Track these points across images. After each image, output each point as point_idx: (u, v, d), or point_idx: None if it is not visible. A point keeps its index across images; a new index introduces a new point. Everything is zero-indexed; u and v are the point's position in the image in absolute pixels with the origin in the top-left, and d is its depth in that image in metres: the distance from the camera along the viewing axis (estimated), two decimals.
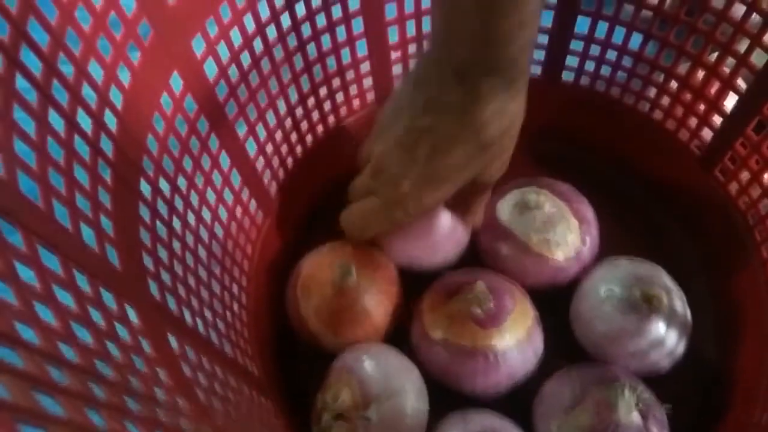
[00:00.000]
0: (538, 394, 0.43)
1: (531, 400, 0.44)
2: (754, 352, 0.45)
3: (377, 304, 0.46)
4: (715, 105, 0.47)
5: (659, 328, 0.43)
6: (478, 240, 0.50)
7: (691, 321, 0.46)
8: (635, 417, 0.39)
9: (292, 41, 0.45)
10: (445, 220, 0.48)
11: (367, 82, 0.53)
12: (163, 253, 0.35)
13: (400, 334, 0.47)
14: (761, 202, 0.45)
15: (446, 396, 0.44)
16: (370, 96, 0.54)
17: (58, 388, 0.20)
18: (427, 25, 0.50)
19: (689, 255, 0.53)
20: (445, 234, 0.48)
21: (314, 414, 0.42)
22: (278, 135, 0.48)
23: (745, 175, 0.47)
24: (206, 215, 0.41)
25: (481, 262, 0.50)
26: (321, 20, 0.45)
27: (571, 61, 0.53)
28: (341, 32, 0.47)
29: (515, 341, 0.43)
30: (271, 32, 0.42)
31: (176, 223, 0.37)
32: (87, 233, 0.28)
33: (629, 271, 0.46)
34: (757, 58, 0.42)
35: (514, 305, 0.44)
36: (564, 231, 0.47)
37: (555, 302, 0.48)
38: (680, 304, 0.45)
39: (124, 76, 0.31)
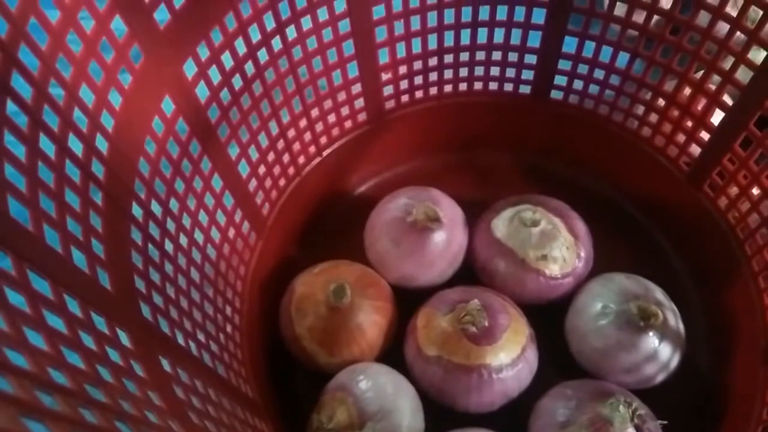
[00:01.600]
0: (534, 410, 0.43)
1: (527, 416, 0.43)
2: (748, 365, 0.45)
3: (372, 322, 0.46)
4: (702, 121, 0.47)
5: (654, 342, 0.44)
6: (475, 257, 0.50)
7: (685, 335, 0.46)
8: None
9: (283, 64, 0.45)
10: (440, 237, 0.48)
11: (359, 103, 0.53)
12: (155, 276, 0.35)
13: (394, 352, 0.47)
14: (750, 216, 0.46)
15: (441, 414, 0.44)
16: (362, 117, 0.55)
17: (48, 413, 0.20)
18: (417, 46, 0.51)
19: (680, 269, 0.53)
20: (440, 251, 0.48)
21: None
22: (270, 156, 0.48)
23: (733, 190, 0.47)
24: (199, 237, 0.41)
25: (476, 279, 0.50)
26: (312, 43, 0.46)
27: (560, 80, 0.53)
28: (332, 54, 0.48)
29: (510, 359, 0.43)
30: (263, 55, 0.43)
31: (168, 246, 0.37)
32: (78, 257, 0.28)
33: (623, 287, 0.46)
34: (742, 75, 0.43)
35: (508, 323, 0.44)
36: (560, 246, 0.48)
37: (549, 317, 0.48)
38: (673, 318, 0.46)
39: (116, 100, 0.32)
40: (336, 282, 0.45)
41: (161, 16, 0.33)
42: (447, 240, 0.49)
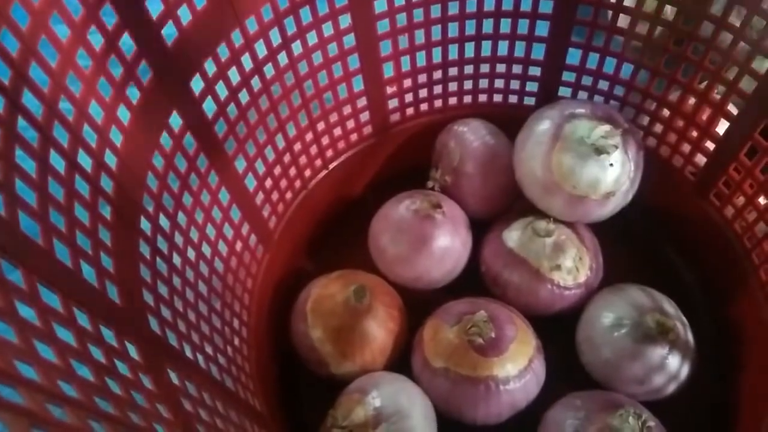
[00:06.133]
0: (543, 421, 0.43)
1: (535, 427, 0.43)
2: (758, 374, 0.45)
3: (386, 329, 0.46)
4: (707, 131, 0.47)
5: (665, 354, 0.43)
6: (486, 268, 0.50)
7: (694, 346, 0.45)
8: None
9: (289, 78, 0.46)
10: (443, 225, 0.49)
11: (364, 116, 0.54)
12: (163, 289, 0.36)
13: (401, 365, 0.47)
14: (757, 225, 0.45)
15: (449, 426, 0.44)
16: (367, 130, 0.55)
17: (58, 424, 0.20)
18: (421, 59, 0.51)
19: (688, 280, 0.53)
20: (444, 241, 0.49)
21: (323, 430, 0.42)
22: (277, 170, 0.49)
23: (740, 200, 0.47)
24: (206, 250, 0.42)
25: (484, 290, 0.50)
26: (318, 57, 0.46)
27: (564, 91, 0.54)
28: (337, 68, 0.48)
29: (517, 370, 0.43)
30: (269, 70, 0.43)
31: (176, 259, 0.38)
32: (87, 270, 0.29)
33: (636, 298, 0.46)
34: (747, 84, 0.43)
35: (515, 334, 0.44)
36: (573, 257, 0.48)
37: (557, 328, 0.48)
38: (683, 329, 0.45)
39: (124, 116, 0.32)
40: (357, 285, 0.46)
41: (169, 32, 0.34)
42: (451, 231, 0.49)
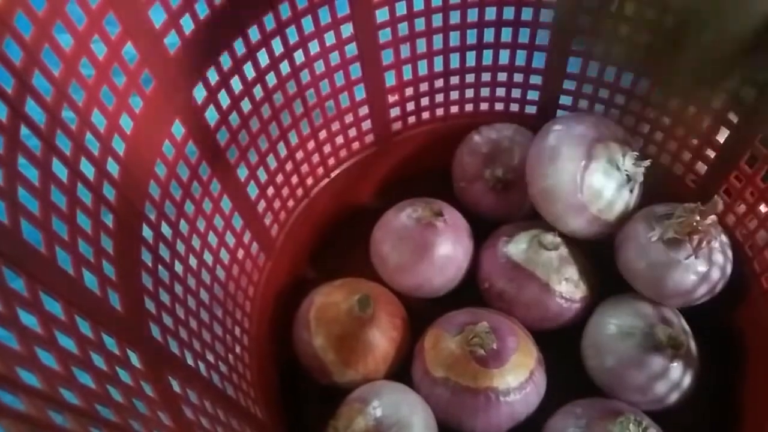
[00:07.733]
0: (544, 429, 0.43)
1: None
2: (761, 383, 0.45)
3: (389, 338, 0.47)
4: (708, 139, 0.47)
5: (668, 364, 0.43)
6: (490, 283, 0.49)
7: (697, 355, 0.45)
8: None
9: (291, 87, 0.46)
10: (445, 232, 0.49)
11: (366, 124, 0.54)
12: (165, 297, 0.36)
13: (401, 374, 0.47)
14: (758, 233, 0.45)
15: None
16: (369, 138, 0.55)
17: (59, 431, 0.20)
18: (423, 68, 0.51)
19: None
20: (446, 248, 0.49)
21: None
22: (279, 178, 0.49)
23: (741, 208, 0.47)
24: (208, 258, 0.42)
25: (485, 304, 0.50)
26: (320, 66, 0.47)
27: (565, 99, 0.54)
28: (339, 77, 0.49)
29: (518, 382, 0.43)
30: (271, 79, 0.44)
31: (178, 267, 0.38)
32: (89, 278, 0.29)
33: (641, 308, 0.46)
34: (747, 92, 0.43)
35: (516, 345, 0.44)
36: (579, 270, 0.48)
37: (559, 339, 0.48)
38: (686, 338, 0.45)
39: (127, 124, 0.32)
40: (361, 294, 0.46)
41: (171, 41, 0.34)
42: (452, 239, 0.49)
